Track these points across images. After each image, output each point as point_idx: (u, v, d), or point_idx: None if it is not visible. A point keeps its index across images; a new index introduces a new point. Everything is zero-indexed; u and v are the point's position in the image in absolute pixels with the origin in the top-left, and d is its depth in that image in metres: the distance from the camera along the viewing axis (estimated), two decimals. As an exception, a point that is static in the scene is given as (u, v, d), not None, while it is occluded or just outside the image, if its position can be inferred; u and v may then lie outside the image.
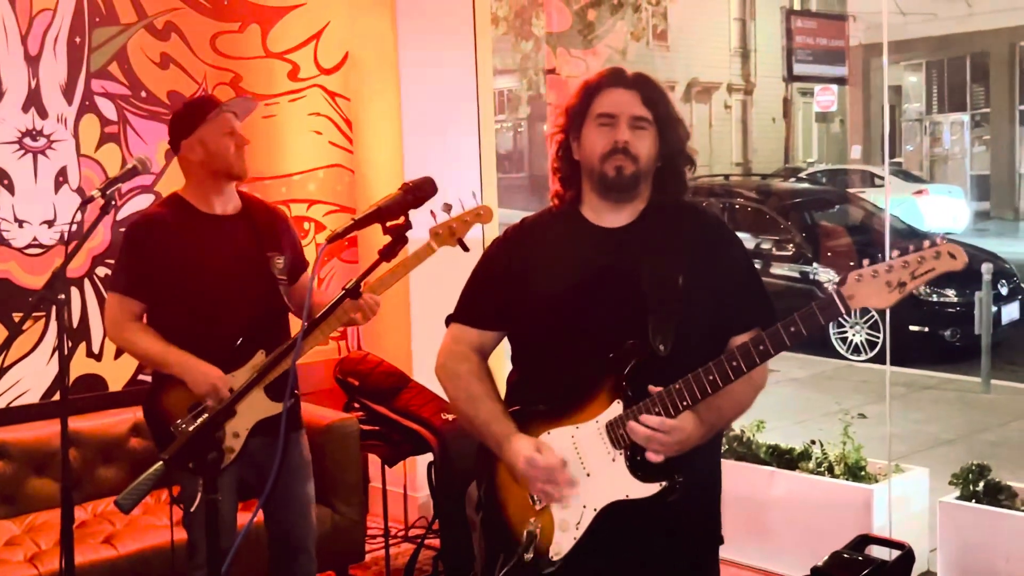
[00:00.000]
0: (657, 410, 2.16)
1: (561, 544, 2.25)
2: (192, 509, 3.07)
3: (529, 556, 2.24)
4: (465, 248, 3.00)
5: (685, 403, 2.15)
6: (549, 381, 2.32)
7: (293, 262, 3.44)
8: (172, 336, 3.23)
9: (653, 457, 2.16)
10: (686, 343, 2.20)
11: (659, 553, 2.30)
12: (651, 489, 2.18)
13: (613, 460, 2.22)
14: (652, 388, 2.18)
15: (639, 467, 2.20)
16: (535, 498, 2.29)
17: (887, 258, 2.05)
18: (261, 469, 3.25)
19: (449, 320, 2.48)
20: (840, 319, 9.05)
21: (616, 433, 2.21)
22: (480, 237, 5.07)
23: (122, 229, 4.56)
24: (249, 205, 3.41)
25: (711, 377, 2.13)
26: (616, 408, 2.21)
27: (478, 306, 2.44)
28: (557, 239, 2.38)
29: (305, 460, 3.45)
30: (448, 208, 2.96)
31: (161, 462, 1.94)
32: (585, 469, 2.24)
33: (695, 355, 2.17)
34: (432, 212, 2.87)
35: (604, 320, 2.27)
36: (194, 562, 3.28)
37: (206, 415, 2.06)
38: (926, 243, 2.04)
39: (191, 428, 2.01)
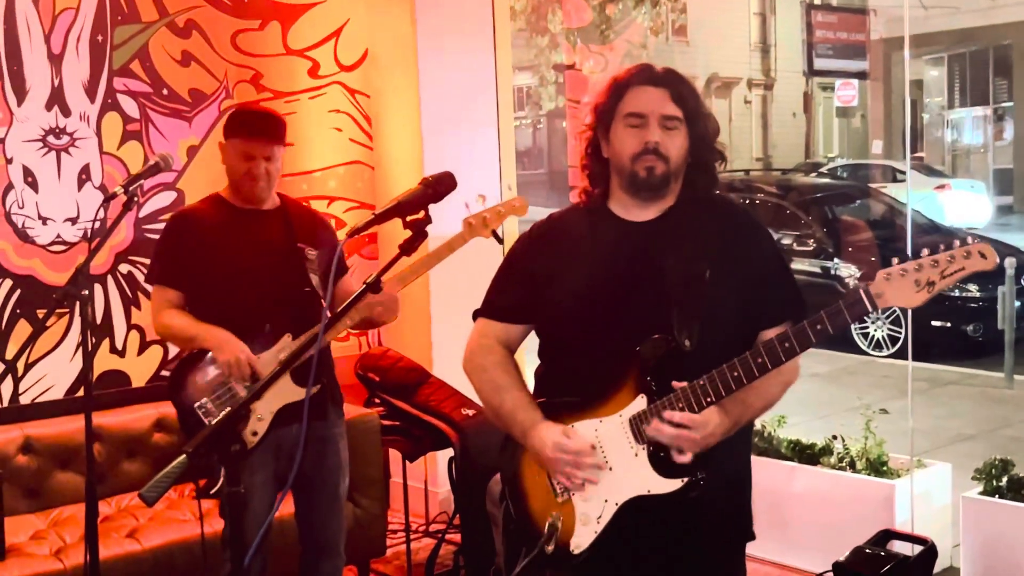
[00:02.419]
0: (681, 406, 2.15)
1: (582, 537, 2.25)
2: (212, 492, 3.11)
3: (550, 548, 2.24)
4: (499, 239, 3.02)
5: (709, 399, 2.14)
6: (574, 374, 2.32)
7: (328, 262, 3.46)
8: (206, 319, 3.30)
9: (680, 458, 2.14)
10: (713, 337, 2.19)
11: (681, 549, 2.29)
12: (673, 485, 2.18)
13: (636, 455, 2.21)
14: (676, 383, 2.16)
15: (661, 462, 2.19)
16: (557, 490, 2.29)
17: (909, 253, 2.04)
18: (302, 464, 3.32)
19: (476, 315, 2.49)
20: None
21: (639, 428, 2.20)
22: (500, 231, 5.09)
23: (144, 226, 4.62)
24: (286, 203, 3.49)
25: (735, 373, 2.12)
26: (640, 403, 2.20)
27: (504, 300, 2.44)
28: (583, 233, 2.37)
29: (344, 460, 3.50)
30: (483, 199, 3.00)
31: (184, 455, 1.95)
32: (608, 463, 2.24)
33: (722, 349, 2.15)
34: (466, 204, 2.90)
35: (630, 314, 2.25)
36: (228, 554, 3.30)
37: (228, 409, 2.08)
38: (956, 243, 2.02)
39: (214, 422, 2.03)
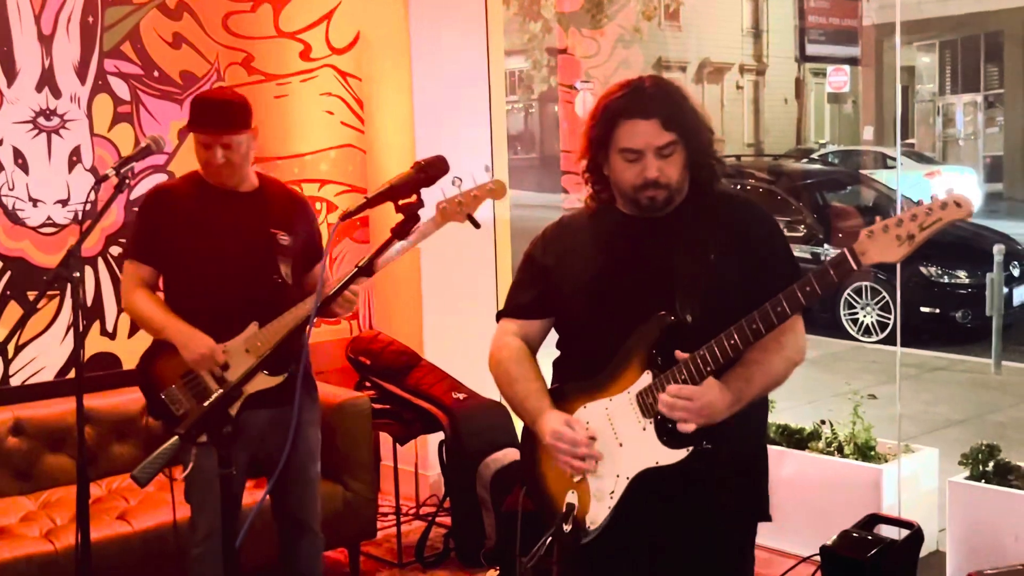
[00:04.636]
0: (683, 377, 2.22)
1: (597, 513, 2.33)
2: (184, 474, 3.06)
3: (568, 527, 2.31)
4: (476, 224, 2.94)
5: (709, 368, 2.21)
6: (587, 360, 2.40)
7: (305, 247, 3.42)
8: (174, 301, 3.29)
9: (683, 427, 2.21)
10: (717, 315, 2.24)
11: (691, 522, 2.37)
12: (678, 455, 2.25)
13: (644, 429, 2.29)
14: (679, 354, 2.24)
15: (667, 434, 2.26)
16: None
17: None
18: (272, 447, 3.27)
19: (499, 316, 2.60)
20: (853, 301, 9.09)
21: (646, 402, 2.28)
22: (492, 215, 5.09)
23: (135, 208, 4.61)
24: (265, 185, 3.43)
25: (732, 341, 2.19)
26: (646, 378, 2.29)
27: (520, 299, 2.55)
28: (592, 229, 2.47)
29: (313, 445, 3.48)
30: (458, 182, 2.89)
31: (176, 437, 1.96)
32: (618, 439, 2.32)
33: (727, 327, 2.21)
34: (442, 190, 2.82)
35: (637, 299, 2.33)
36: (194, 538, 3.32)
37: (221, 391, 2.08)
38: (933, 196, 2.08)
39: (206, 404, 2.04)
